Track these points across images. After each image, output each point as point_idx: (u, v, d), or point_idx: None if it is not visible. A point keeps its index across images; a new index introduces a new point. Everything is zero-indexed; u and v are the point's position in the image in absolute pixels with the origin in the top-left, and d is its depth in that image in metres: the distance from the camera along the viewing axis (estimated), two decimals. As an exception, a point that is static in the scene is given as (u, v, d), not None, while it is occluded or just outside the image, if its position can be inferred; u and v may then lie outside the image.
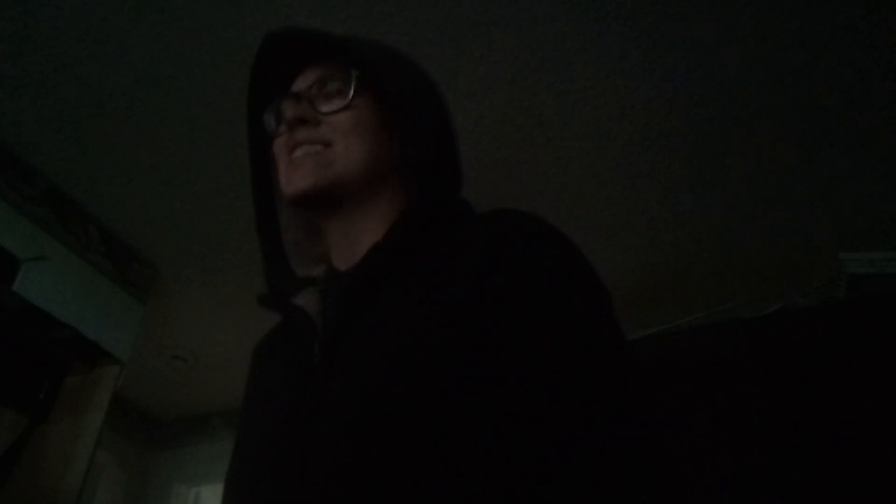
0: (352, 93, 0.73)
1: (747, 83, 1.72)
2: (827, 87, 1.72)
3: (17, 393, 1.92)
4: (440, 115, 0.77)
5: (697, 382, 1.82)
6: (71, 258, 2.04)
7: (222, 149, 1.93)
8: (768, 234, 2.13)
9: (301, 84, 0.77)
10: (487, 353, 0.56)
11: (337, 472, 0.54)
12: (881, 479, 1.48)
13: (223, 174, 2.01)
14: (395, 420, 0.54)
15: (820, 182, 1.96)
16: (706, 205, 2.04)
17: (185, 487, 3.15)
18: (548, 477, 0.53)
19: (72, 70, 1.74)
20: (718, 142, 1.87)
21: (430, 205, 0.70)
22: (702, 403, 1.79)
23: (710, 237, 2.15)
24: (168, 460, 3.18)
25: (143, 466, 3.17)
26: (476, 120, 1.83)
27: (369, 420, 0.55)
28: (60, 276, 1.99)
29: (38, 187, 2.01)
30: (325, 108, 0.74)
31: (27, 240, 1.92)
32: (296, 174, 0.71)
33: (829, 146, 1.86)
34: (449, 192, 0.74)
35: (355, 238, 0.73)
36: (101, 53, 1.70)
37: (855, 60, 1.66)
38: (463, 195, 0.76)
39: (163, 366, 2.84)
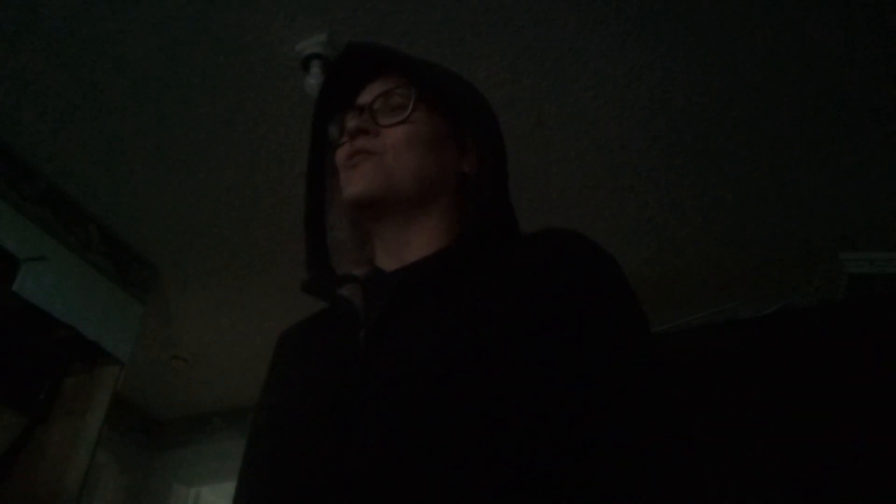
0: (411, 107, 0.77)
1: (747, 83, 1.72)
2: (827, 87, 1.72)
3: (17, 393, 1.93)
4: (497, 134, 0.82)
5: (697, 382, 1.82)
6: (71, 258, 2.04)
7: (222, 149, 1.93)
8: (768, 234, 2.13)
9: (366, 97, 0.81)
10: (530, 356, 0.61)
11: (377, 448, 0.58)
12: (881, 479, 1.48)
13: (223, 174, 2.01)
14: (436, 406, 0.58)
15: (820, 182, 1.96)
16: (706, 205, 2.04)
17: (185, 487, 3.15)
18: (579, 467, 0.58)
19: (72, 69, 1.74)
20: (718, 142, 1.87)
21: (489, 222, 0.73)
22: (702, 403, 1.79)
23: (709, 237, 2.15)
24: (168, 460, 3.18)
25: (143, 466, 3.17)
26: (476, 120, 1.83)
27: (411, 404, 0.59)
28: (60, 276, 1.99)
29: (38, 187, 2.01)
30: (384, 120, 0.78)
31: (27, 240, 1.92)
32: (352, 179, 0.76)
33: (829, 146, 1.86)
34: (505, 210, 0.78)
35: (405, 242, 0.77)
36: (101, 53, 1.70)
37: (855, 60, 1.66)
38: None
39: (163, 366, 2.84)
